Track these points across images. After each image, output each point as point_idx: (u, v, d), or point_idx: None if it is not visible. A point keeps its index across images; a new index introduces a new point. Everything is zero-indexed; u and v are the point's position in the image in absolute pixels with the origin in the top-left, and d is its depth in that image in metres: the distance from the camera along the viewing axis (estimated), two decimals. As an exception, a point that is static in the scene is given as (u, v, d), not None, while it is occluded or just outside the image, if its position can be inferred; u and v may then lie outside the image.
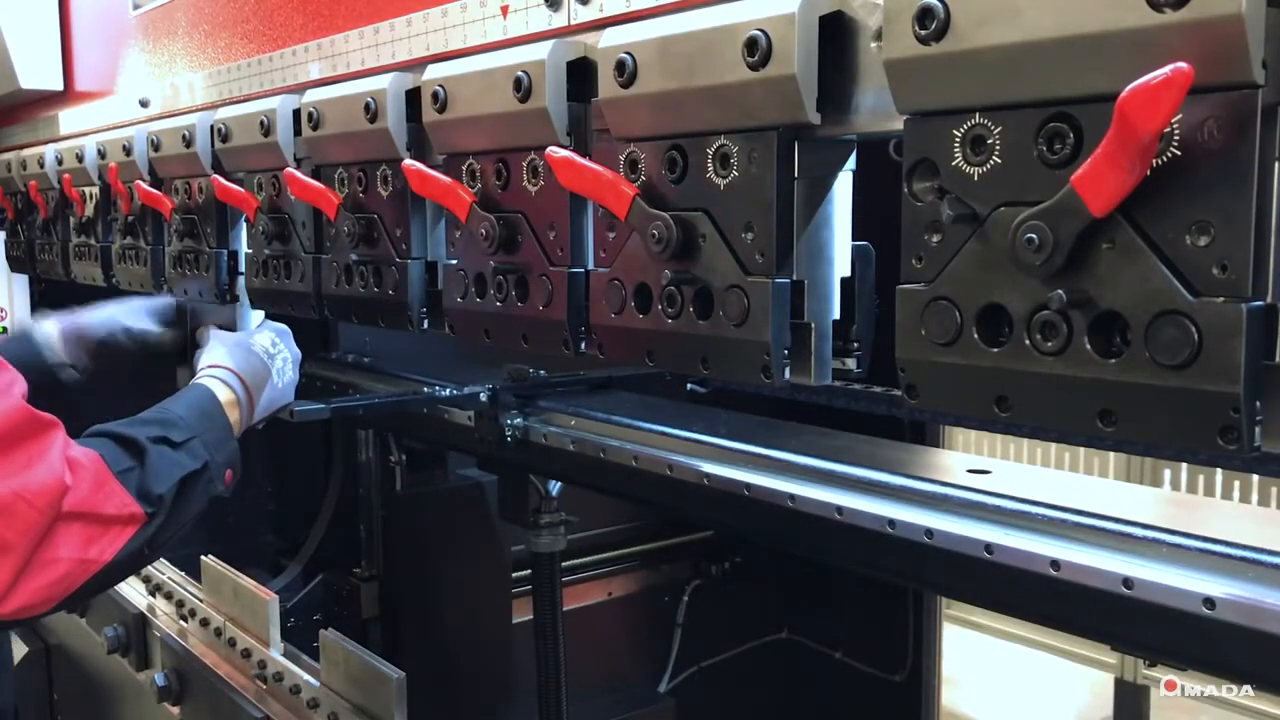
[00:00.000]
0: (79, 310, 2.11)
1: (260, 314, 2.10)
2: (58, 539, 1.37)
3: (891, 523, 1.26)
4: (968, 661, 4.89)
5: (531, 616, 2.11)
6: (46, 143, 2.79)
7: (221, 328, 1.94)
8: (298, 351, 1.92)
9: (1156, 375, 0.80)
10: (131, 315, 2.11)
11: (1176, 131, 0.77)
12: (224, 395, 1.71)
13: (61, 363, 2.05)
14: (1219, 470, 4.27)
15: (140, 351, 2.07)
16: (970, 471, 1.30)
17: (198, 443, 1.58)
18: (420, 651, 2.36)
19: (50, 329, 2.06)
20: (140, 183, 2.22)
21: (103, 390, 2.13)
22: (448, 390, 1.89)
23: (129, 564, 1.49)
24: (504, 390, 1.85)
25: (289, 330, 1.92)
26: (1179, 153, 0.78)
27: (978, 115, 0.88)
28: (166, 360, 2.17)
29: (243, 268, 2.05)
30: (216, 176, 1.97)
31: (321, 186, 1.68)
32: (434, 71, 1.44)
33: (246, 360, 1.79)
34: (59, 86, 2.76)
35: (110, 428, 1.53)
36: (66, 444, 1.41)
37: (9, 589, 1.33)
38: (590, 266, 1.29)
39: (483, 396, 1.83)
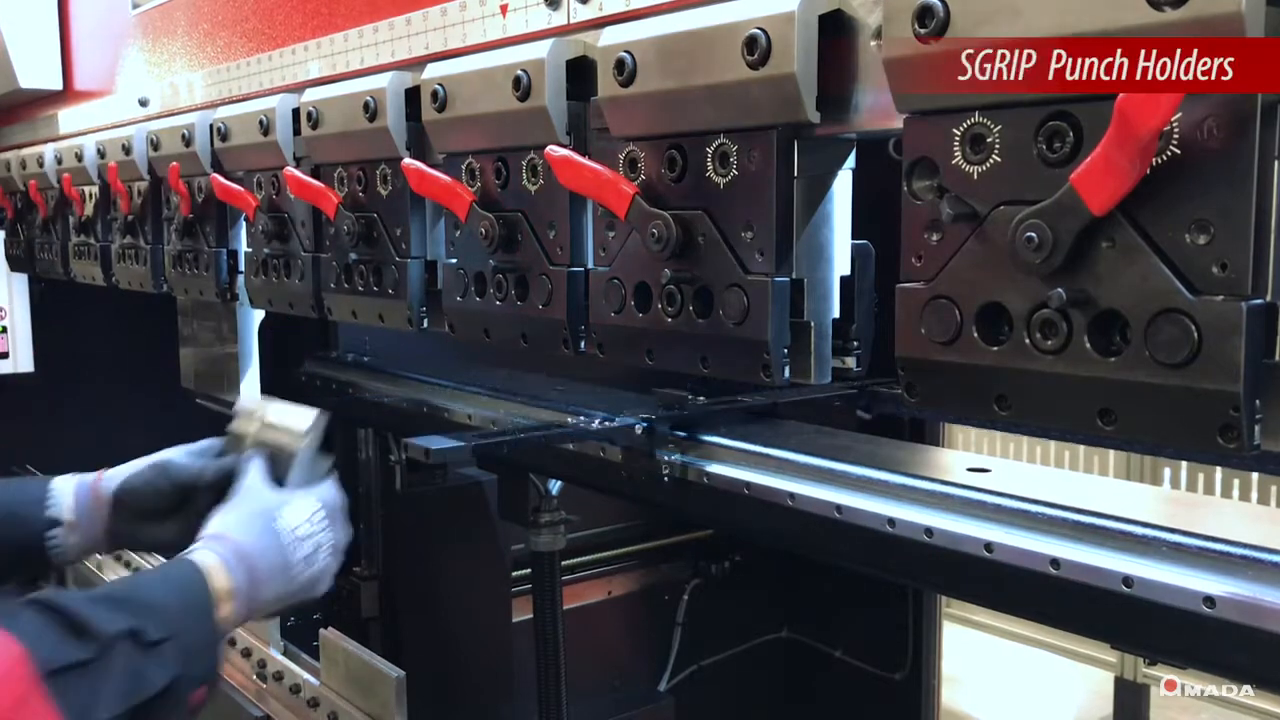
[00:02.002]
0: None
1: (261, 313, 2.05)
2: None
3: (891, 521, 1.26)
4: (968, 660, 4.89)
5: (531, 616, 2.11)
6: (46, 142, 2.79)
7: (276, 460, 1.46)
8: (345, 533, 1.45)
9: (1156, 374, 0.80)
10: (158, 456, 1.56)
11: (1176, 130, 0.77)
12: (218, 584, 1.26)
13: (52, 519, 1.47)
14: (1219, 469, 4.27)
15: (177, 494, 1.49)
16: (970, 470, 1.30)
17: (171, 648, 1.15)
18: (420, 651, 2.36)
19: (64, 479, 1.52)
20: (217, 177, 1.97)
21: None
22: (596, 421, 1.63)
23: None
24: (660, 421, 1.59)
25: (341, 503, 1.46)
26: (1179, 151, 0.78)
27: (977, 114, 0.88)
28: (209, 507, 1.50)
29: (242, 267, 2.05)
30: (216, 176, 1.97)
31: (321, 185, 1.68)
32: (433, 70, 1.44)
33: (261, 540, 1.34)
34: (58, 86, 2.76)
35: (60, 600, 1.10)
36: None
37: None
38: (590, 265, 1.29)
39: (637, 429, 1.57)
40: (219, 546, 1.30)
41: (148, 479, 1.49)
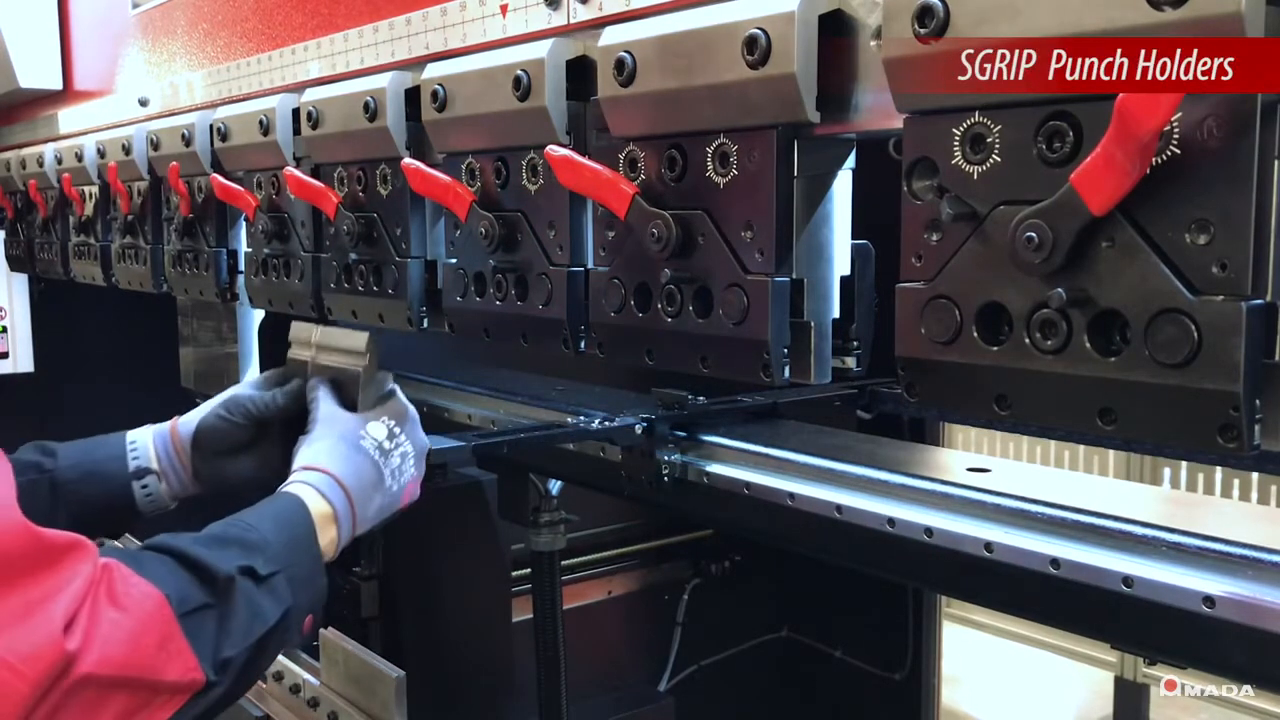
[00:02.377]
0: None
1: (261, 313, 2.05)
2: (85, 710, 1.02)
3: (891, 521, 1.26)
4: (968, 660, 4.89)
5: (531, 615, 2.11)
6: (46, 142, 2.79)
7: (340, 384, 1.49)
8: (424, 440, 1.50)
9: (1156, 374, 0.80)
10: (230, 391, 1.62)
11: (1176, 130, 0.77)
12: (318, 511, 1.32)
13: (142, 468, 1.53)
14: (1219, 468, 4.27)
15: (250, 427, 1.53)
16: (970, 470, 1.30)
17: (282, 580, 1.22)
18: (420, 650, 2.36)
19: (140, 431, 1.57)
20: (217, 177, 1.96)
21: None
22: (596, 421, 1.64)
23: None
24: (660, 421, 1.59)
25: (416, 415, 1.49)
26: (1178, 151, 0.78)
27: (977, 114, 0.88)
28: (294, 444, 1.52)
29: (242, 267, 2.05)
30: (216, 175, 1.97)
31: (321, 185, 1.68)
32: (433, 70, 1.44)
33: (352, 462, 1.39)
34: (58, 86, 2.76)
35: (177, 544, 1.17)
36: (102, 576, 1.06)
37: None
38: (590, 265, 1.29)
39: (637, 429, 1.58)
40: (313, 477, 1.35)
41: (220, 416, 1.54)
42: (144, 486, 1.53)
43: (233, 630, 1.14)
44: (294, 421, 1.49)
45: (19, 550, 1.01)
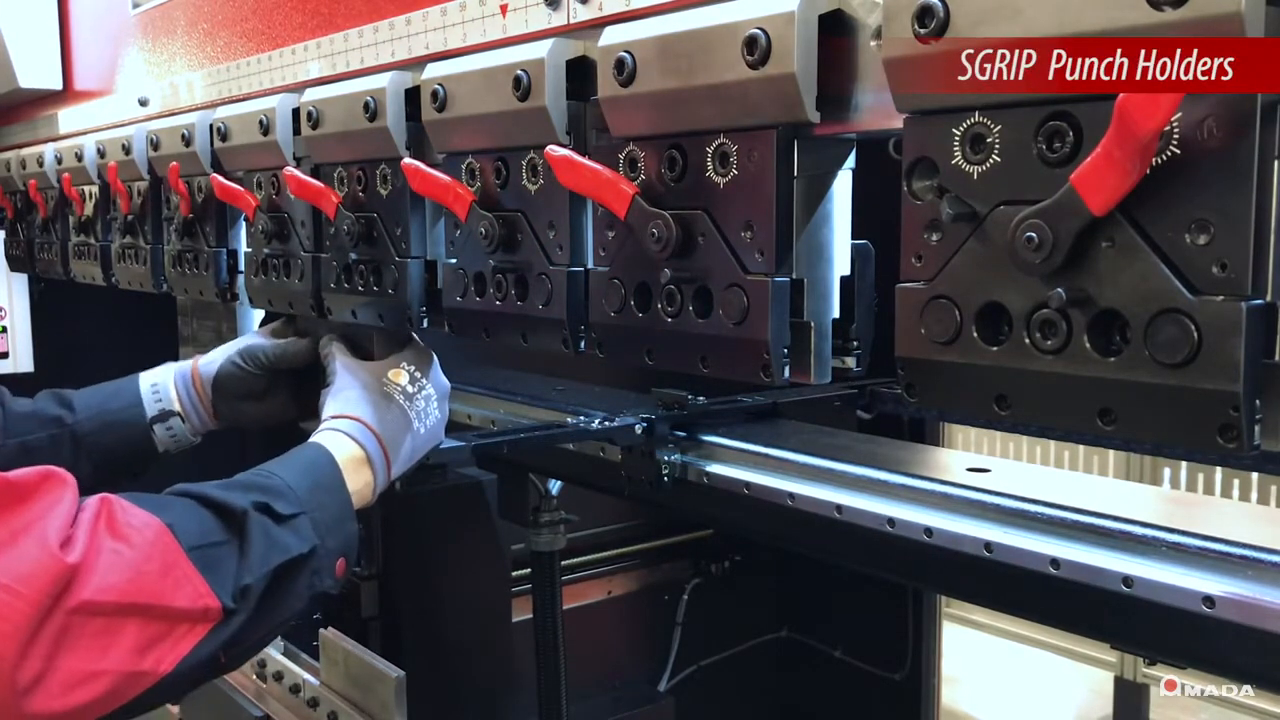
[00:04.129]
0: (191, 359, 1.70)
1: (260, 313, 2.05)
2: (96, 640, 1.02)
3: (891, 521, 1.26)
4: (967, 660, 4.89)
5: (531, 615, 2.11)
6: (46, 142, 2.79)
7: (353, 338, 1.54)
8: (445, 382, 1.54)
9: (1156, 374, 0.80)
10: (246, 339, 1.69)
11: (1176, 130, 0.77)
12: (347, 456, 1.36)
13: (166, 411, 1.59)
14: (1219, 469, 4.27)
15: (267, 375, 1.61)
16: (970, 470, 1.30)
17: (306, 521, 1.24)
18: (420, 650, 2.36)
19: (161, 374, 1.65)
20: (217, 177, 1.95)
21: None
22: (596, 421, 1.64)
23: (196, 676, 1.13)
24: (660, 421, 1.59)
25: (434, 357, 1.54)
26: (1179, 151, 0.78)
27: (977, 114, 0.88)
28: (305, 389, 1.67)
29: (242, 267, 2.05)
30: (216, 175, 1.97)
31: (321, 185, 1.68)
32: (433, 70, 1.44)
33: (378, 407, 1.42)
34: (58, 86, 2.76)
35: (197, 488, 1.21)
36: (100, 509, 1.08)
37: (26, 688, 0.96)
38: (590, 265, 1.29)
39: (637, 429, 1.57)
40: (341, 424, 1.39)
41: (236, 363, 1.62)
42: (168, 429, 1.61)
43: (250, 558, 1.15)
44: (308, 370, 1.57)
45: None
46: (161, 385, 1.60)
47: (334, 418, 1.40)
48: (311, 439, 1.37)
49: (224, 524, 1.16)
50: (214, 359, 1.63)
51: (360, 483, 1.35)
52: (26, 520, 1.01)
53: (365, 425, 1.39)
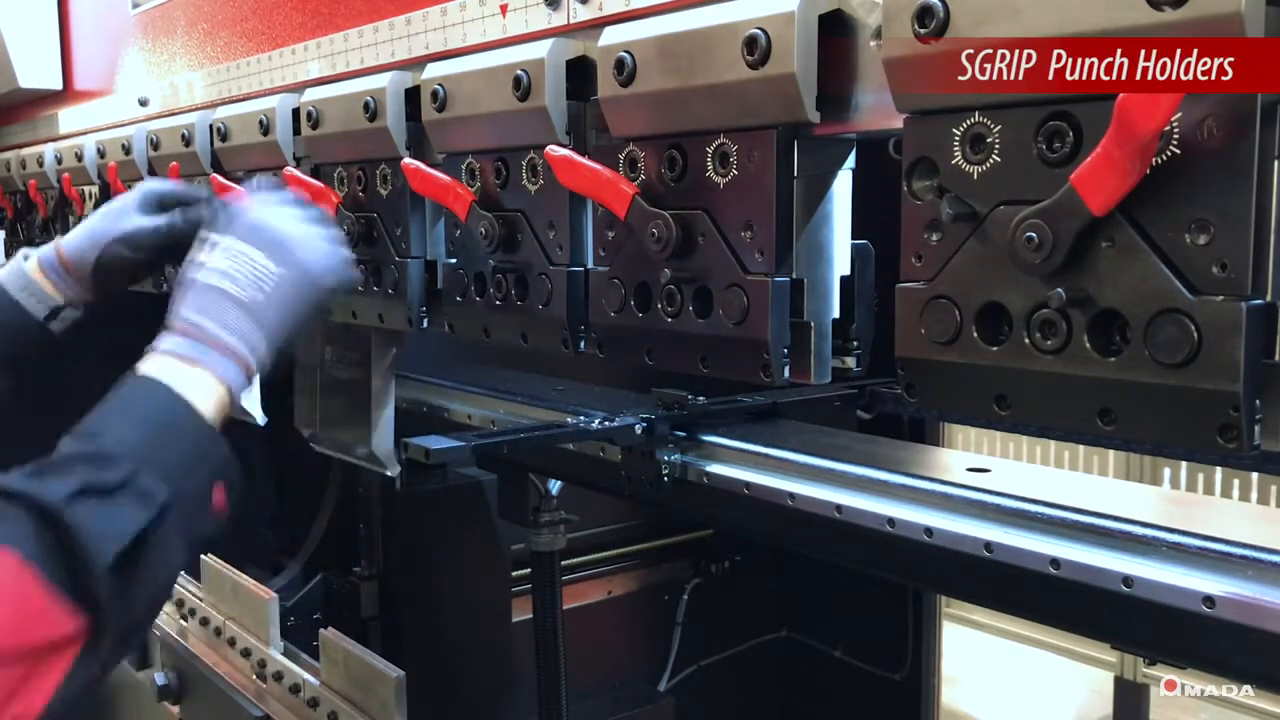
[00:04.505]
0: (53, 241, 1.57)
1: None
2: None
3: (891, 521, 1.26)
4: (967, 660, 4.89)
5: (531, 615, 2.11)
6: (46, 142, 2.79)
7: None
8: (313, 217, 1.33)
9: (1156, 374, 0.80)
10: (118, 218, 1.54)
11: (1176, 130, 0.77)
12: (180, 375, 1.18)
13: (53, 305, 1.52)
14: (1219, 468, 4.27)
15: (152, 258, 1.52)
16: (970, 470, 1.30)
17: (146, 477, 1.05)
18: (420, 650, 2.36)
19: (27, 267, 1.53)
20: (216, 177, 1.90)
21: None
22: (596, 421, 1.62)
23: (73, 699, 0.99)
24: (660, 421, 1.57)
25: (295, 202, 1.35)
26: (1179, 151, 0.78)
27: (977, 114, 0.88)
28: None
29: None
30: (216, 175, 1.97)
31: (321, 185, 1.68)
32: (433, 70, 1.44)
33: (189, 306, 1.24)
34: (58, 86, 2.76)
35: (17, 485, 1.01)
36: None
37: None
38: (590, 265, 1.29)
39: (637, 429, 1.56)
40: (161, 343, 1.23)
41: (121, 253, 1.52)
42: (61, 320, 1.55)
43: (87, 556, 0.98)
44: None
45: None
46: (36, 285, 1.52)
47: (164, 335, 1.25)
48: (136, 369, 1.22)
49: (45, 527, 0.98)
50: (78, 240, 1.53)
51: (207, 393, 1.18)
52: None
53: (177, 332, 1.22)
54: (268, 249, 1.27)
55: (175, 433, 1.13)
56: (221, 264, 1.26)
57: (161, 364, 1.20)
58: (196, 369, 1.19)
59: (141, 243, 1.52)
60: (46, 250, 1.55)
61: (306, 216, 1.34)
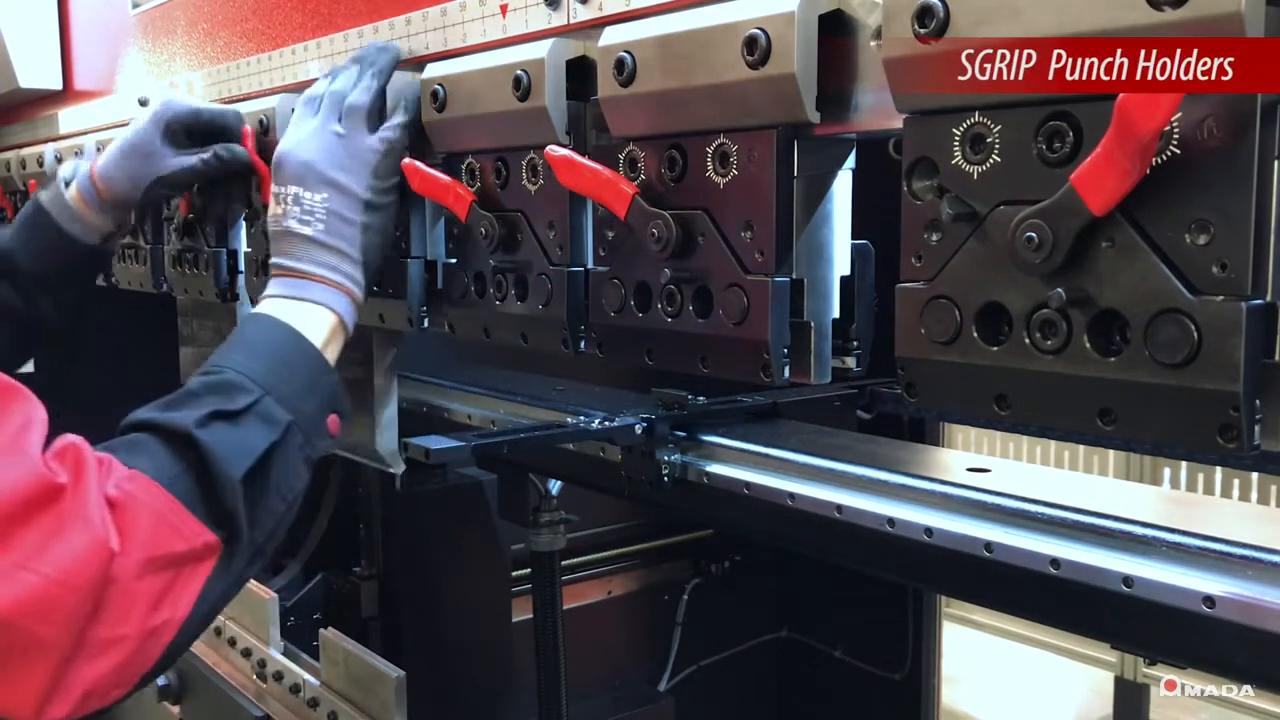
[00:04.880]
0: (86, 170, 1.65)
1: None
2: (114, 613, 1.00)
3: (891, 521, 1.26)
4: (967, 660, 4.89)
5: (531, 616, 2.11)
6: (46, 142, 2.79)
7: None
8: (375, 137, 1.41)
9: (1156, 374, 0.80)
10: (151, 158, 1.60)
11: (1176, 130, 0.77)
12: (285, 308, 1.29)
13: (103, 233, 1.63)
14: (1219, 468, 4.27)
15: (192, 187, 1.67)
16: (970, 470, 1.30)
17: (270, 402, 1.17)
18: (420, 650, 2.36)
19: (70, 198, 1.62)
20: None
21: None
22: (596, 421, 1.62)
23: (213, 608, 1.11)
24: (660, 421, 1.58)
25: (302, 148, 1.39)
26: (1179, 151, 0.78)
27: (977, 114, 0.88)
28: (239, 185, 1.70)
29: (242, 267, 2.05)
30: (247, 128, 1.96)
31: (321, 185, 1.67)
32: (433, 70, 1.44)
33: (280, 254, 1.35)
34: (58, 85, 2.75)
35: (149, 416, 1.13)
36: (104, 477, 1.03)
37: (47, 696, 0.96)
38: (590, 265, 1.29)
39: (637, 429, 1.56)
40: (271, 288, 1.33)
41: (157, 192, 1.64)
42: (111, 244, 1.70)
43: (219, 477, 1.09)
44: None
45: (37, 486, 0.97)
46: (84, 219, 1.63)
47: (269, 266, 1.38)
48: (249, 314, 1.35)
49: (178, 453, 1.09)
50: (119, 183, 1.62)
51: (319, 324, 1.30)
52: (72, 503, 0.98)
53: (275, 278, 1.34)
54: (302, 181, 1.36)
55: (292, 364, 1.24)
56: (277, 209, 1.37)
57: (273, 305, 1.31)
58: (304, 304, 1.31)
59: (180, 181, 1.64)
60: (84, 182, 1.63)
61: (321, 117, 1.40)
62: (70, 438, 1.05)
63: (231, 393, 1.16)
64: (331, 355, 1.31)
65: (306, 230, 1.34)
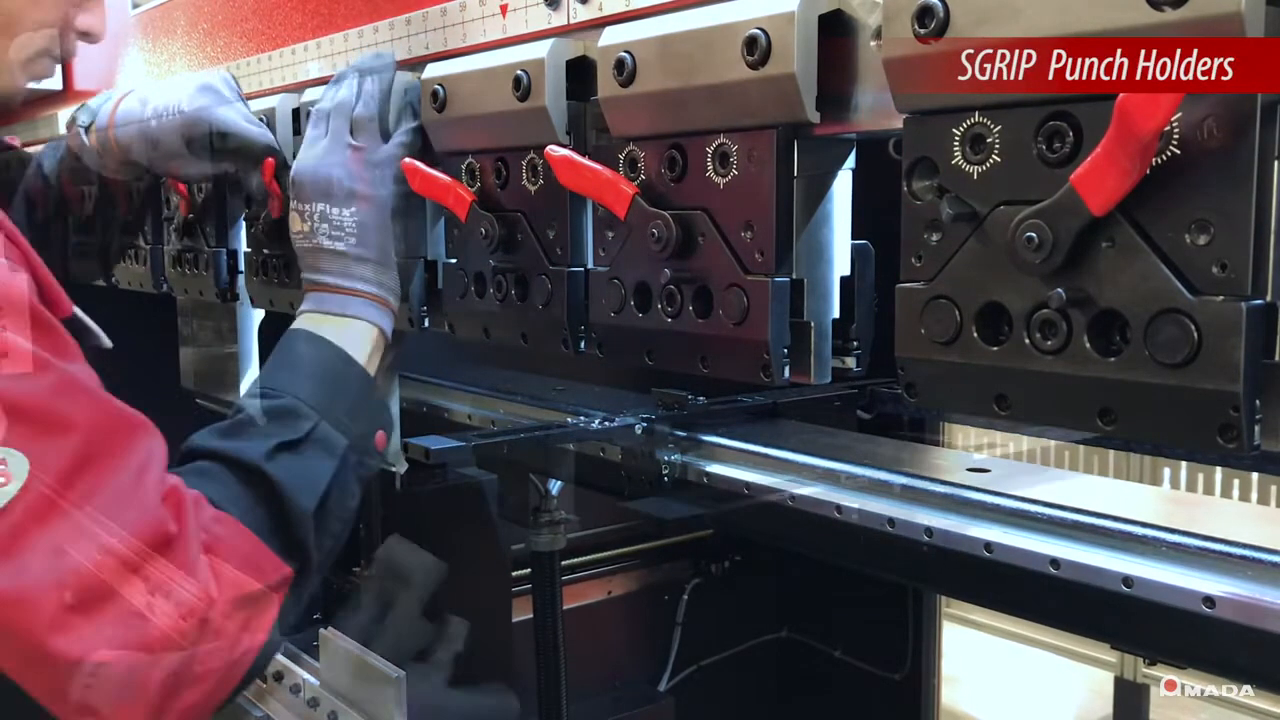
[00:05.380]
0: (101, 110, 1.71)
1: (261, 313, 2.05)
2: (205, 650, 1.05)
3: (891, 521, 1.26)
4: (967, 660, 4.89)
5: (531, 616, 2.11)
6: (46, 142, 2.78)
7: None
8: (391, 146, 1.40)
9: (1156, 374, 0.80)
10: (170, 156, 1.65)
11: (1176, 130, 0.77)
12: (326, 324, 1.30)
13: (135, 163, 1.69)
14: (1219, 468, 4.27)
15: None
16: (970, 470, 1.30)
17: (325, 428, 1.19)
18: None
19: (89, 141, 1.73)
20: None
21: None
22: (596, 421, 1.64)
23: (282, 629, 1.16)
24: (660, 421, 1.59)
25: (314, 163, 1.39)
26: (1179, 151, 0.78)
27: (977, 114, 0.88)
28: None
29: (242, 267, 2.05)
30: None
31: (321, 186, 1.67)
32: (433, 70, 1.44)
33: (311, 270, 1.35)
34: (58, 86, 2.75)
35: (216, 445, 1.15)
36: (199, 520, 1.05)
37: None
38: (590, 265, 1.29)
39: (637, 429, 1.58)
40: (308, 303, 1.34)
41: (170, 172, 1.73)
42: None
43: (291, 511, 1.13)
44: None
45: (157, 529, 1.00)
46: (104, 165, 1.73)
47: (305, 303, 1.38)
48: (291, 329, 1.34)
49: (251, 484, 1.12)
50: (134, 159, 1.69)
51: (363, 340, 1.32)
52: (172, 560, 1.01)
53: (311, 294, 1.35)
54: (327, 197, 1.37)
55: (340, 384, 1.26)
56: (304, 226, 1.37)
57: (315, 321, 1.32)
58: (346, 320, 1.32)
59: (193, 177, 1.73)
60: (103, 136, 1.71)
61: (333, 132, 1.40)
62: (170, 479, 1.07)
63: (291, 420, 1.18)
64: (373, 368, 1.33)
65: (339, 246, 1.35)
